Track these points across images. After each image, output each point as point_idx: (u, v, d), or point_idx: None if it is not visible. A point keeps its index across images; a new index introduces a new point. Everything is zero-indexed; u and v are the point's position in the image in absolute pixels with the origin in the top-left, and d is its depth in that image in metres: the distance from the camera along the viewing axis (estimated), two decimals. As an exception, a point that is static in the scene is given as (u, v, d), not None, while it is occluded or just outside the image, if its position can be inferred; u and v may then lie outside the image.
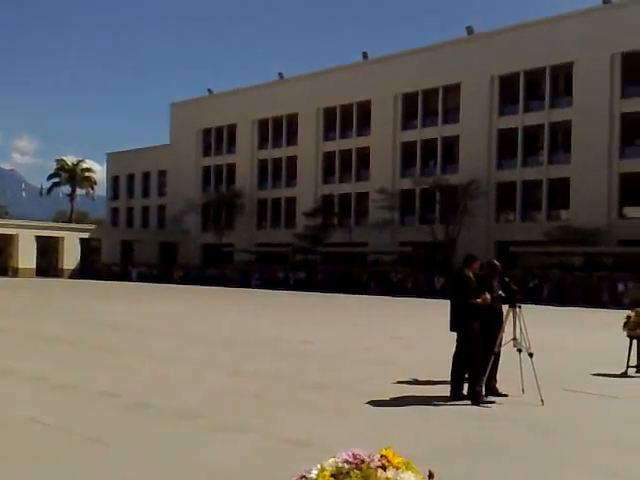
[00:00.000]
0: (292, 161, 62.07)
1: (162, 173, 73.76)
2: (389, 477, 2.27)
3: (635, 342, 11.15)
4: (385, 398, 8.50)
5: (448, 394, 8.67)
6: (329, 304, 32.22)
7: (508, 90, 49.01)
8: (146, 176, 76.03)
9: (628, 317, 11.28)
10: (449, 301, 8.98)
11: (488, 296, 8.68)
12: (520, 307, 8.86)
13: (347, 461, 2.35)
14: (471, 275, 8.78)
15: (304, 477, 2.36)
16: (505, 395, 8.77)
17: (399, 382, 9.73)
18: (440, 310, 13.18)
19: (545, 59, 46.09)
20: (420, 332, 18.13)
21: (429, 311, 26.73)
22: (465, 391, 8.67)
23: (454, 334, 8.85)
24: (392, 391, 8.91)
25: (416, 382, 9.81)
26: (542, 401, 8.25)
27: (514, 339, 8.85)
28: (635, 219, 43.34)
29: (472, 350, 8.54)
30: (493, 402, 8.40)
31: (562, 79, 47.37)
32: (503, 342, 8.93)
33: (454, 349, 8.79)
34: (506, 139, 49.14)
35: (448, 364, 8.87)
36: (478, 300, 8.57)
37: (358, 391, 9.04)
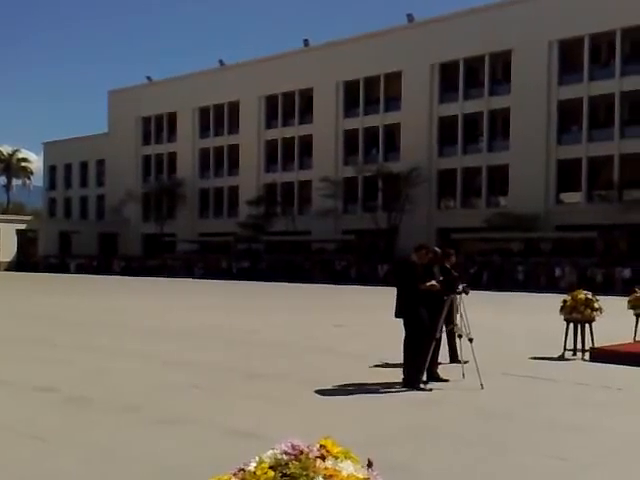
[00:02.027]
0: (234, 149, 61.58)
1: (101, 162, 72.31)
2: (328, 467, 2.24)
3: (572, 325, 11.44)
4: (330, 386, 8.51)
5: (393, 381, 8.73)
6: (273, 293, 32.17)
7: (448, 78, 49.54)
8: (84, 166, 74.44)
9: (564, 301, 11.55)
10: (395, 288, 9.01)
11: (435, 282, 8.78)
12: (460, 293, 8.98)
13: (286, 452, 2.32)
14: (417, 262, 8.86)
15: (242, 470, 2.32)
16: (446, 380, 8.88)
17: (375, 366, 9.76)
18: (383, 297, 13.28)
19: (484, 47, 46.70)
20: (363, 319, 18.24)
21: (373, 298, 26.93)
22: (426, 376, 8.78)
23: (397, 321, 8.90)
24: (337, 379, 8.93)
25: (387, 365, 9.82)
26: (482, 385, 8.38)
27: (454, 325, 8.97)
28: (572, 205, 44.45)
29: (420, 336, 8.60)
30: (431, 389, 8.48)
31: (500, 67, 48.13)
32: (444, 328, 9.04)
33: (403, 336, 8.82)
34: (447, 127, 49.73)
35: (391, 350, 8.94)
36: (428, 285, 8.64)
37: (303, 379, 9.03)
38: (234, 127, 61.60)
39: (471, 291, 9.69)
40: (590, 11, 41.87)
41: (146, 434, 6.22)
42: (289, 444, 2.34)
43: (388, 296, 10.43)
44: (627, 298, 13.10)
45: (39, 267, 58.75)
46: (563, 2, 43.46)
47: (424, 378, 8.60)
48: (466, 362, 9.01)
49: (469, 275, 36.39)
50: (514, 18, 45.11)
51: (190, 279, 46.34)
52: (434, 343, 8.80)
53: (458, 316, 8.92)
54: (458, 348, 9.56)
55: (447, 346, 10.21)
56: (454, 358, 10.08)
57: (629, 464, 5.56)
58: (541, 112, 44.86)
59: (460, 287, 10.55)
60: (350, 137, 54.65)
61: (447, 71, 49.52)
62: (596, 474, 5.32)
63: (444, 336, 9.42)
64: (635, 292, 12.98)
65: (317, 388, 8.34)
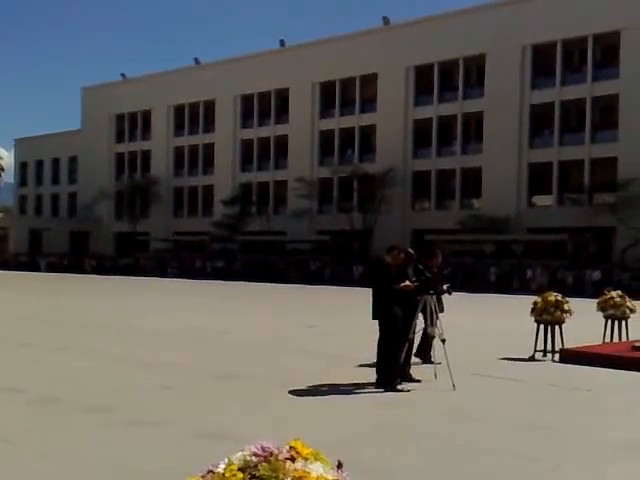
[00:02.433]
0: (209, 148, 61.29)
1: (73, 159, 71.54)
2: (297, 469, 2.24)
3: (542, 327, 11.55)
4: (302, 387, 8.50)
5: (367, 381, 8.75)
6: (247, 293, 32.07)
7: (423, 81, 49.78)
8: (56, 162, 73.61)
9: (535, 303, 11.67)
10: (370, 289, 9.01)
11: (408, 282, 8.81)
12: (433, 294, 9.02)
13: (255, 454, 2.31)
14: (391, 262, 8.88)
15: (211, 472, 2.31)
16: (418, 381, 8.92)
17: (348, 366, 9.75)
18: (358, 298, 13.31)
19: (458, 50, 47.00)
20: (337, 320, 18.25)
21: (347, 299, 26.97)
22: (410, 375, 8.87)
23: (371, 321, 8.90)
24: (310, 379, 8.92)
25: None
26: (454, 386, 8.43)
27: (427, 325, 9.01)
28: (543, 207, 44.90)
29: (394, 336, 8.62)
30: (408, 390, 8.51)
31: (474, 70, 48.47)
32: (417, 329, 9.09)
33: (378, 336, 8.83)
34: (421, 129, 49.97)
35: (365, 351, 8.96)
36: (402, 285, 8.67)
37: (275, 380, 9.01)
38: (209, 126, 61.32)
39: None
40: (563, 17, 42.34)
41: (116, 435, 6.16)
42: (259, 446, 2.33)
43: (362, 297, 10.45)
44: (597, 300, 13.28)
45: (9, 265, 57.97)
46: (536, 7, 43.88)
47: (398, 379, 8.63)
48: (439, 363, 9.06)
49: (443, 276, 36.58)
50: (488, 22, 45.47)
51: (163, 278, 46.04)
52: (407, 344, 8.84)
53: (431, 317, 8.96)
54: (432, 349, 9.62)
55: (420, 345, 10.30)
56: (426, 358, 10.18)
57: (598, 465, 5.63)
58: (514, 116, 45.26)
59: (444, 287, 10.68)
60: (326, 138, 54.68)
61: (422, 74, 49.75)
62: (565, 475, 5.37)
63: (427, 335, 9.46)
64: (604, 294, 13.15)
65: (290, 389, 8.32)
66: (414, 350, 9.81)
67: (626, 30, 40.77)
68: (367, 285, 9.25)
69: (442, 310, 10.76)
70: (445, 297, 10.57)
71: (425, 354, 10.35)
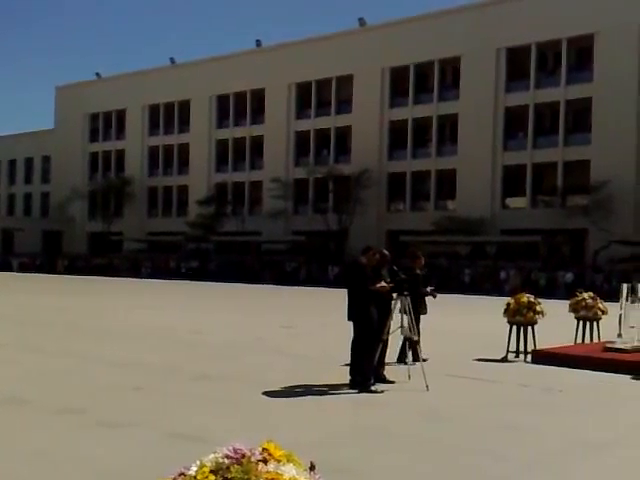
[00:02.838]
0: (184, 148, 60.98)
1: (46, 159, 70.76)
2: (270, 471, 2.23)
3: (515, 328, 11.65)
4: (276, 388, 8.49)
5: (341, 382, 8.75)
6: (221, 293, 31.96)
7: (399, 82, 49.97)
8: (29, 162, 72.78)
9: (508, 304, 11.76)
10: (345, 290, 9.01)
11: (384, 283, 8.84)
12: (408, 295, 9.05)
13: (228, 456, 2.30)
14: (366, 263, 8.89)
15: (183, 474, 2.30)
16: (392, 382, 8.94)
17: (323, 367, 9.74)
18: (333, 299, 13.32)
19: (434, 53, 47.25)
20: (311, 321, 18.26)
21: (322, 300, 26.99)
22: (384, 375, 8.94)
23: (346, 322, 8.91)
24: (284, 380, 8.90)
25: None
26: (427, 387, 8.47)
27: (401, 327, 9.04)
28: (517, 209, 45.28)
29: (368, 337, 8.64)
30: (382, 391, 8.53)
31: (450, 73, 48.76)
32: (391, 330, 9.11)
33: (352, 337, 8.84)
34: (397, 130, 50.15)
35: (340, 351, 8.96)
36: (378, 286, 8.69)
37: (249, 381, 8.99)
38: (184, 126, 61.03)
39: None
40: (537, 20, 42.69)
41: (87, 437, 6.10)
42: (231, 448, 2.32)
43: (337, 298, 10.47)
44: (569, 301, 13.42)
45: (-20, 265, 57.16)
46: (511, 11, 44.22)
47: (372, 380, 8.64)
48: (413, 364, 9.09)
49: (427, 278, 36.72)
50: (463, 25, 45.75)
51: (137, 279, 45.71)
52: (381, 345, 8.86)
53: (405, 318, 8.99)
54: (406, 350, 9.66)
55: (401, 346, 10.42)
56: (414, 357, 10.28)
57: (569, 464, 5.69)
58: (488, 118, 45.59)
59: (428, 289, 10.80)
60: (301, 139, 54.68)
61: (398, 75, 49.94)
62: (537, 474, 5.42)
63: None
64: (576, 296, 13.30)
65: (264, 389, 8.30)
66: (400, 351, 9.90)
67: (600, 33, 41.26)
68: (342, 286, 9.27)
69: (425, 312, 11.02)
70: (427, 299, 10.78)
71: (407, 354, 10.40)
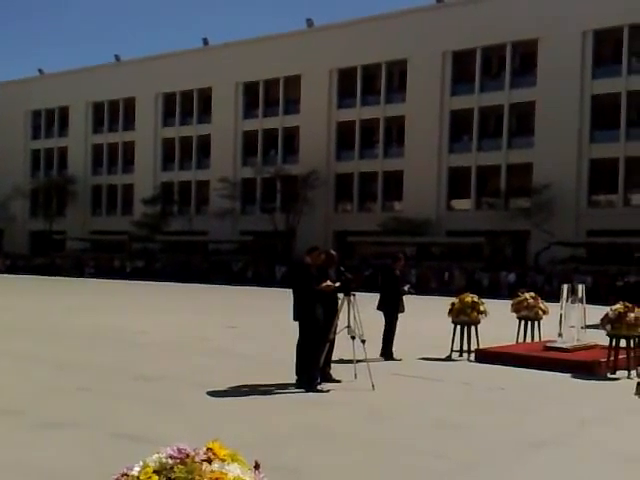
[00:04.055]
0: (129, 146, 60.10)
1: (-14, 156, 68.79)
2: (214, 470, 2.23)
3: (459, 327, 11.84)
4: (222, 388, 8.45)
5: (287, 382, 8.75)
6: (167, 293, 31.60)
7: (346, 84, 50.18)
8: (-32, 159, 70.65)
9: (453, 304, 11.96)
10: (291, 290, 9.02)
11: (330, 283, 8.87)
12: (354, 295, 9.11)
13: (171, 456, 2.29)
14: (311, 263, 8.91)
15: (125, 474, 2.28)
16: (338, 381, 8.98)
17: (268, 367, 9.70)
18: (279, 299, 13.31)
19: (381, 55, 47.57)
20: (258, 321, 18.21)
21: (268, 300, 26.93)
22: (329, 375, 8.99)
23: (293, 322, 8.92)
24: (230, 380, 8.87)
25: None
26: (373, 386, 8.54)
27: (348, 327, 9.09)
28: (461, 211, 45.97)
29: (314, 337, 8.66)
30: (328, 390, 8.56)
31: (397, 75, 49.18)
32: (338, 329, 9.16)
33: (298, 337, 8.85)
34: (345, 131, 50.36)
35: (286, 351, 8.97)
36: (323, 285, 8.71)
37: (195, 381, 8.92)
38: (130, 124, 60.13)
39: (365, 293, 9.89)
40: (482, 25, 43.33)
41: (29, 438, 5.97)
42: (175, 448, 2.31)
43: (284, 298, 10.47)
44: (511, 301, 13.70)
45: None
46: (457, 15, 44.86)
47: (318, 379, 8.67)
48: (360, 361, 9.14)
49: (363, 277, 37.00)
50: (410, 28, 46.18)
51: (80, 278, 44.87)
52: (327, 344, 8.90)
53: (352, 318, 9.04)
54: (352, 348, 9.71)
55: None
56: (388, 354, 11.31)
57: (510, 462, 5.81)
58: (434, 121, 46.15)
59: (405, 288, 11.15)
60: (249, 138, 54.45)
61: (345, 77, 50.15)
62: (479, 472, 5.52)
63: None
64: (518, 296, 13.59)
65: (209, 390, 8.26)
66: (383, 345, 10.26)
67: (543, 38, 42.15)
68: (289, 286, 9.28)
69: (403, 310, 11.75)
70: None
71: (387, 351, 11.34)
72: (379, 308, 11.78)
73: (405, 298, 11.92)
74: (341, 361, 9.77)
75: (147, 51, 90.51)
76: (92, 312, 19.78)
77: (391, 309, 11.67)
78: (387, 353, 11.37)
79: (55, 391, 8.11)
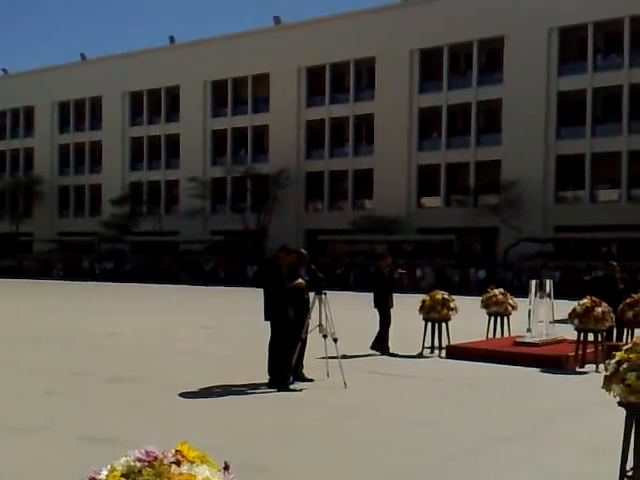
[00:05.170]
0: (97, 146, 59.44)
1: (-50, 157, 67.64)
2: (183, 472, 2.21)
3: (430, 324, 11.92)
4: (194, 389, 8.40)
5: (260, 381, 8.73)
6: (138, 294, 31.35)
7: (315, 82, 50.16)
8: None
9: (423, 301, 12.03)
10: (262, 290, 8.99)
11: (301, 280, 8.87)
12: (326, 294, 9.11)
13: (139, 459, 2.26)
14: (282, 262, 8.89)
15: (93, 478, 2.24)
16: (311, 380, 8.99)
17: (241, 367, 9.64)
18: (251, 299, 13.27)
19: (349, 53, 47.61)
20: (229, 321, 18.14)
21: (240, 300, 26.85)
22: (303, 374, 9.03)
23: (265, 322, 8.89)
24: (201, 381, 8.82)
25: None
26: (345, 384, 8.55)
27: (320, 325, 9.09)
28: (431, 208, 46.23)
29: (286, 336, 8.64)
30: (300, 389, 8.56)
31: (365, 73, 49.29)
32: (309, 328, 9.16)
33: (270, 336, 8.83)
34: (314, 130, 50.35)
35: (258, 351, 8.94)
36: (295, 283, 8.70)
37: (166, 383, 8.86)
38: (96, 123, 59.50)
39: (337, 292, 9.91)
40: (449, 22, 43.56)
41: (-5, 445, 5.88)
42: (143, 450, 2.28)
43: (256, 297, 10.44)
44: (481, 298, 13.81)
45: None
46: (424, 12, 45.03)
47: (290, 378, 8.67)
48: (333, 357, 9.15)
49: (334, 276, 37.08)
50: (378, 26, 46.29)
51: (49, 280, 44.31)
52: (299, 343, 8.89)
53: (324, 317, 9.04)
54: (324, 347, 9.71)
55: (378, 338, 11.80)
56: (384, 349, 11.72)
57: (481, 457, 5.85)
58: (403, 119, 46.33)
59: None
60: (218, 137, 54.19)
61: (314, 75, 50.13)
62: (450, 466, 5.56)
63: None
64: (488, 292, 13.70)
65: (181, 391, 8.21)
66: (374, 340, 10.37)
67: (509, 36, 42.52)
68: (260, 285, 9.25)
69: (392, 305, 12.29)
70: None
71: (382, 346, 11.73)
72: (375, 306, 12.40)
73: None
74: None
75: (114, 49, 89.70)
76: (61, 314, 19.55)
77: (383, 305, 12.18)
78: (383, 347, 11.80)
79: (23, 395, 7.99)
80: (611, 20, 39.89)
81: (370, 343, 11.95)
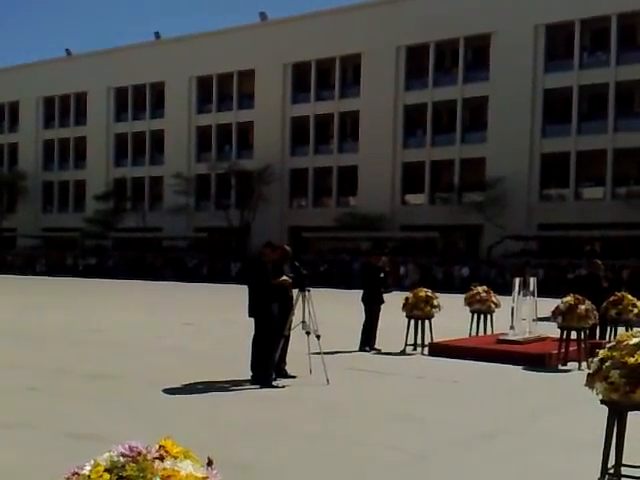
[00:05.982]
0: (81, 142, 59.10)
1: None
2: (166, 468, 2.22)
3: (413, 322, 11.96)
4: (177, 385, 8.39)
5: (243, 378, 8.73)
6: (121, 290, 31.22)
7: (301, 78, 50.11)
8: None
9: (407, 298, 12.08)
10: (247, 286, 8.99)
11: (287, 277, 8.88)
12: (309, 291, 9.13)
13: (123, 454, 2.27)
14: (266, 259, 8.90)
15: (76, 473, 2.25)
16: (294, 377, 9.01)
17: (224, 364, 9.63)
18: (234, 295, 13.26)
19: (335, 49, 47.55)
20: (213, 318, 18.11)
21: (223, 297, 26.82)
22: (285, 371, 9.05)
23: (248, 319, 8.89)
24: (185, 378, 8.81)
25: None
26: (328, 380, 8.57)
27: (303, 322, 9.11)
28: (416, 206, 46.36)
29: (269, 333, 8.65)
30: (283, 386, 8.57)
31: (351, 70, 49.31)
32: (293, 325, 9.17)
33: (253, 333, 8.83)
34: (299, 126, 50.31)
35: (241, 348, 8.95)
36: (280, 279, 8.71)
37: (149, 379, 8.85)
38: (81, 118, 59.16)
39: (320, 289, 9.93)
40: (435, 18, 43.56)
41: (-23, 441, 5.85)
42: (126, 446, 2.29)
43: (239, 294, 10.44)
44: (464, 295, 13.89)
45: None
46: (410, 8, 45.01)
47: (273, 375, 8.68)
48: (316, 354, 9.17)
49: (318, 273, 37.09)
50: (364, 22, 46.25)
51: (32, 276, 44.03)
52: (282, 340, 8.91)
53: (307, 314, 9.06)
54: (307, 344, 9.74)
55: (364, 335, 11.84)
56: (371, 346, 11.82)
57: (463, 454, 5.89)
58: (388, 116, 46.38)
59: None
60: (203, 133, 54.03)
61: (299, 71, 50.10)
62: (432, 462, 5.60)
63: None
64: (471, 290, 13.78)
65: (164, 387, 8.19)
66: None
67: (496, 33, 42.66)
68: (244, 282, 9.25)
69: (383, 301, 12.31)
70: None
71: (369, 343, 11.80)
72: (362, 300, 12.39)
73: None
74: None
75: (99, 45, 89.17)
76: (44, 310, 19.44)
77: (372, 301, 12.18)
78: (371, 344, 11.84)
79: (5, 391, 7.95)
80: (598, 17, 40.09)
81: (357, 339, 11.98)
